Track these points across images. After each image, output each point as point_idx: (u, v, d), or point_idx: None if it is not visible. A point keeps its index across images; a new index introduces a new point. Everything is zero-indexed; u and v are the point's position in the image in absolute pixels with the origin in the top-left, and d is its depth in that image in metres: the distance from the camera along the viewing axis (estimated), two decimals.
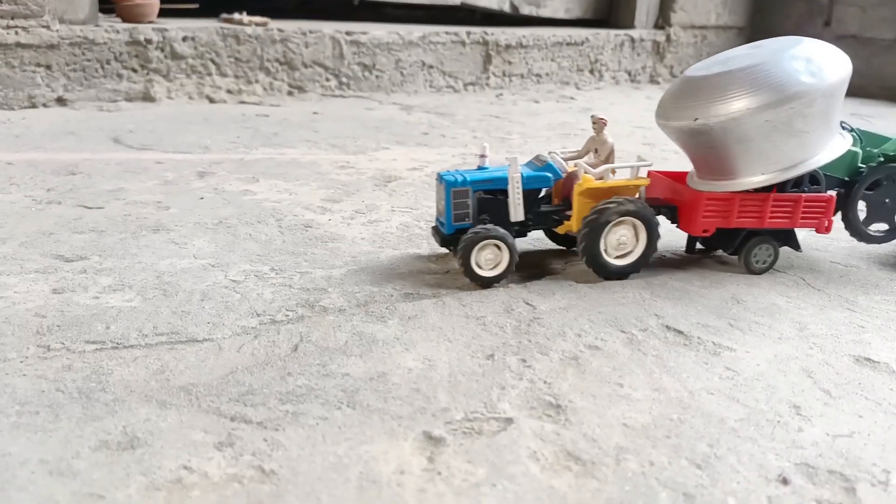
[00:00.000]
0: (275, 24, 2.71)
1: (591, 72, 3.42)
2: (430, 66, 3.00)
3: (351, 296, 1.01)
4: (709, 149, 1.08)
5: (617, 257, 1.09)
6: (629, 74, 3.53)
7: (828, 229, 1.15)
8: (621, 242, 1.08)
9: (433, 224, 1.16)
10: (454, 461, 0.67)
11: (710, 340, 0.92)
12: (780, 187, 1.12)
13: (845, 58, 1.07)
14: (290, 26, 2.71)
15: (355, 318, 0.95)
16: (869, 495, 0.64)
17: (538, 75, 3.27)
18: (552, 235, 1.22)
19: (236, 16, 2.69)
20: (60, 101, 2.35)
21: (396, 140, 2.08)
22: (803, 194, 1.12)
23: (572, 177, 1.11)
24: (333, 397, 0.76)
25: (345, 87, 2.82)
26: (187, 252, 1.16)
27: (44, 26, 2.29)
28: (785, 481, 0.66)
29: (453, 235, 1.07)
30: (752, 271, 1.15)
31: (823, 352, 0.91)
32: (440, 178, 1.08)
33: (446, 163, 1.85)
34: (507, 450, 0.68)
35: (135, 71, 2.45)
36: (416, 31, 2.94)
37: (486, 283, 1.05)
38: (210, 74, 2.58)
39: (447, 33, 3.01)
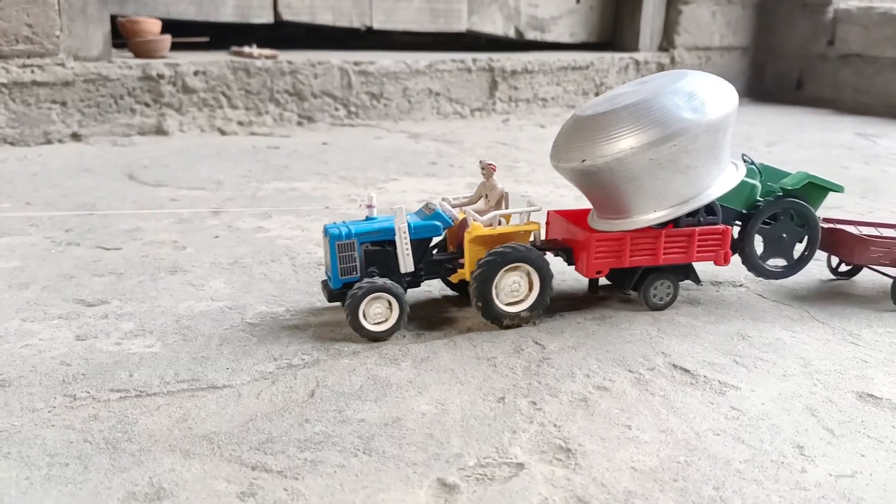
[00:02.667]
0: (284, 56, 2.76)
1: (597, 95, 3.46)
2: (437, 94, 3.04)
3: (360, 338, 1.04)
4: (601, 189, 1.08)
5: (511, 304, 1.07)
6: None
7: (726, 261, 1.15)
8: (514, 290, 1.06)
9: (322, 278, 1.13)
10: None
11: (715, 379, 0.94)
12: (675, 220, 1.11)
13: (731, 91, 1.06)
14: (299, 58, 2.76)
15: (369, 360, 0.97)
16: None
17: (544, 99, 3.31)
18: (448, 282, 1.19)
19: (246, 49, 2.74)
20: (75, 137, 2.40)
21: (405, 171, 2.12)
22: (697, 228, 1.12)
23: (464, 224, 1.09)
24: (350, 444, 0.79)
25: (353, 116, 2.86)
26: (205, 294, 1.19)
27: (59, 64, 2.34)
28: None
29: (341, 290, 1.05)
30: (652, 308, 1.15)
31: (827, 388, 0.93)
32: (325, 230, 1.06)
33: (455, 193, 1.88)
34: (520, 496, 0.71)
35: (148, 105, 2.50)
36: (422, 59, 2.99)
37: (375, 339, 1.02)
38: (221, 107, 2.63)
39: (453, 61, 3.05)
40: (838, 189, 1.21)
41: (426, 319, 1.11)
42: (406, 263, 1.07)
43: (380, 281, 1.02)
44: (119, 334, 1.04)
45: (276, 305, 1.15)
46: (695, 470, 0.75)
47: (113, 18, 2.58)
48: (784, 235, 1.20)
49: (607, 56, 3.45)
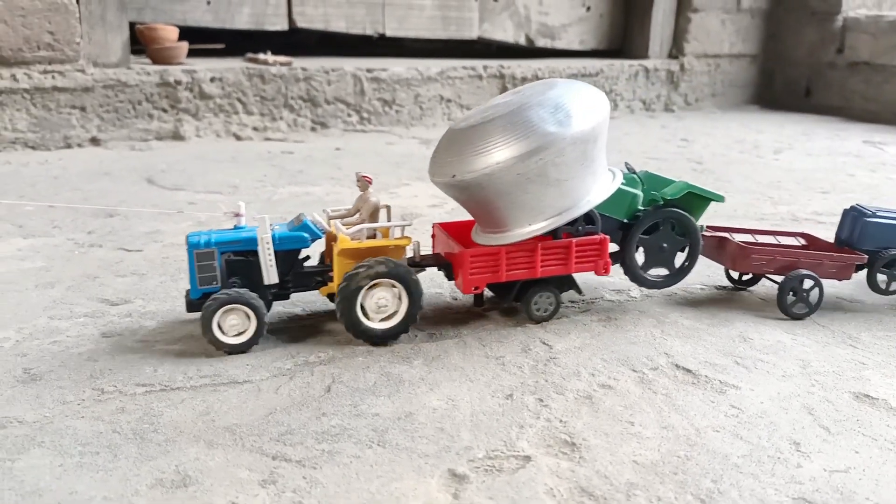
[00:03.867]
0: (298, 63, 2.81)
1: None
2: (449, 100, 3.09)
3: None
4: (476, 203, 1.06)
5: (380, 320, 1.05)
6: (644, 103, 3.60)
7: (606, 271, 1.13)
8: (381, 305, 1.04)
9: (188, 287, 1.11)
10: (477, 497, 0.73)
11: (716, 379, 0.98)
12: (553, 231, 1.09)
13: (601, 100, 1.04)
14: (313, 65, 2.81)
15: (382, 358, 1.01)
16: None
17: None
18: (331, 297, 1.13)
19: (261, 56, 2.80)
20: (94, 142, 2.46)
21: (416, 176, 2.16)
22: (574, 239, 1.11)
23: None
24: (365, 436, 0.82)
25: (366, 122, 2.91)
26: None
27: (79, 70, 2.40)
28: None
29: (200, 301, 1.02)
30: (536, 321, 1.14)
31: (824, 389, 0.96)
32: (186, 238, 1.04)
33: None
34: (526, 486, 0.74)
35: (165, 111, 2.56)
36: (434, 66, 3.04)
37: (234, 351, 1.01)
38: (237, 113, 2.68)
39: (464, 68, 3.10)
40: (718, 199, 1.19)
41: (436, 320, 1.15)
42: (269, 275, 1.04)
43: (234, 292, 1.00)
44: (143, 332, 1.08)
45: (291, 305, 1.19)
46: (694, 464, 0.79)
47: (132, 26, 2.64)
48: (665, 245, 1.19)
49: (617, 63, 3.49)
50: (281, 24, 3.04)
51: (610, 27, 3.72)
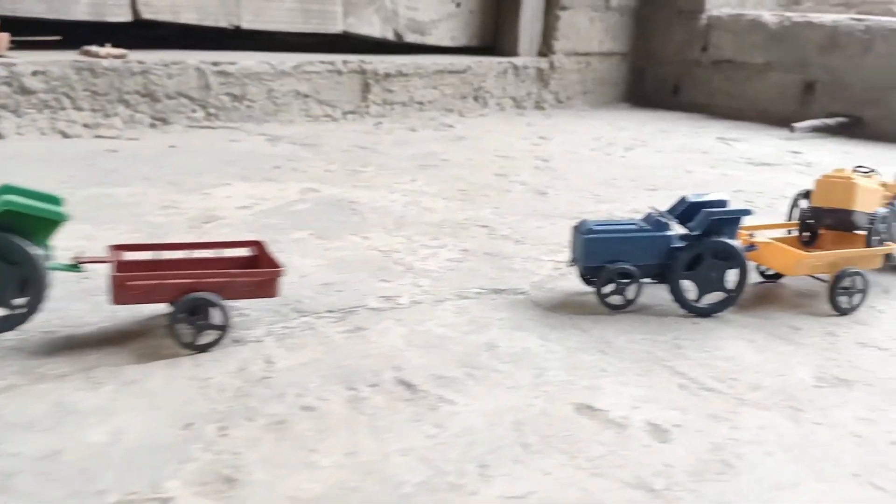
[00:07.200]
0: (135, 56, 2.64)
1: (476, 99, 3.44)
2: (306, 96, 2.97)
3: (80, 359, 0.97)
4: None
5: None
6: (514, 101, 3.57)
7: None
8: None
9: None
10: None
11: (437, 394, 0.91)
12: None
13: None
14: (151, 57, 2.66)
15: (70, 384, 0.90)
16: None
17: (420, 103, 3.28)
18: None
19: (94, 48, 2.62)
20: None
21: (242, 175, 2.05)
22: None
23: None
24: None
25: (213, 118, 2.77)
26: None
27: None
28: None
29: None
30: None
31: (548, 400, 0.90)
32: None
33: (284, 199, 1.82)
34: None
35: None
36: (289, 60, 2.92)
37: None
38: (64, 109, 2.50)
39: (322, 62, 2.99)
40: (56, 217, 0.98)
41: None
42: None
43: None
44: None
45: None
46: (360, 496, 0.72)
47: None
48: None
49: (485, 60, 3.44)
50: (124, 16, 2.86)
51: (481, 24, 3.67)
